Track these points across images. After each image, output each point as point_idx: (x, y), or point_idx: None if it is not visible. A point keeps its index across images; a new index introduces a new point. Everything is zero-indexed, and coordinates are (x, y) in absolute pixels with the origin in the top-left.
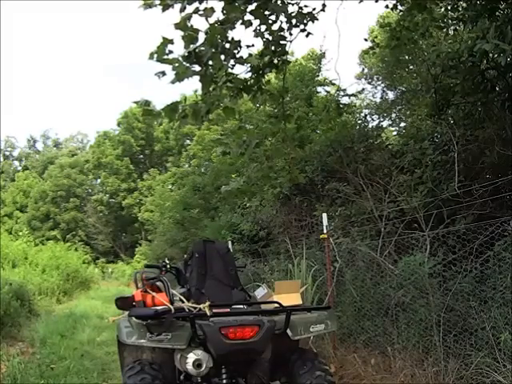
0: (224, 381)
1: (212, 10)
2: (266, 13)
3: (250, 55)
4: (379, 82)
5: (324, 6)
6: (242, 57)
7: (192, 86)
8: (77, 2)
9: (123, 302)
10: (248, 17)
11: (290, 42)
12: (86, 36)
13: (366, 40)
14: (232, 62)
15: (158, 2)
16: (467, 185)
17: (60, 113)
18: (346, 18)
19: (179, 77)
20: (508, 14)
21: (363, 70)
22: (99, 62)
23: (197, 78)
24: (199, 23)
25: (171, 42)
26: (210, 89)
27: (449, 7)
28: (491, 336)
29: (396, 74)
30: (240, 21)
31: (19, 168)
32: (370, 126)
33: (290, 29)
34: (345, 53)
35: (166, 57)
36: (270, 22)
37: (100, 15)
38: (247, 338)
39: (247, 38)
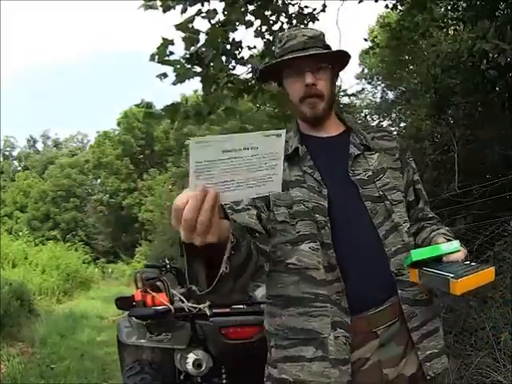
0: (224, 381)
1: (215, 11)
2: (267, 13)
3: (252, 56)
4: (379, 82)
5: (324, 6)
6: (242, 57)
7: (192, 86)
8: (77, 2)
9: (123, 302)
10: (249, 17)
11: None
12: (86, 36)
13: (365, 40)
14: (233, 62)
15: (159, 4)
16: (467, 185)
17: (60, 113)
18: (346, 18)
19: (180, 78)
20: (508, 14)
21: (363, 70)
22: (99, 62)
23: (197, 78)
24: (200, 24)
25: (171, 42)
26: (212, 90)
27: (449, 7)
28: (491, 336)
29: (396, 74)
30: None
31: (19, 168)
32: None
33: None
34: None
35: (166, 58)
36: (271, 22)
37: (101, 15)
38: (247, 338)
39: (248, 38)
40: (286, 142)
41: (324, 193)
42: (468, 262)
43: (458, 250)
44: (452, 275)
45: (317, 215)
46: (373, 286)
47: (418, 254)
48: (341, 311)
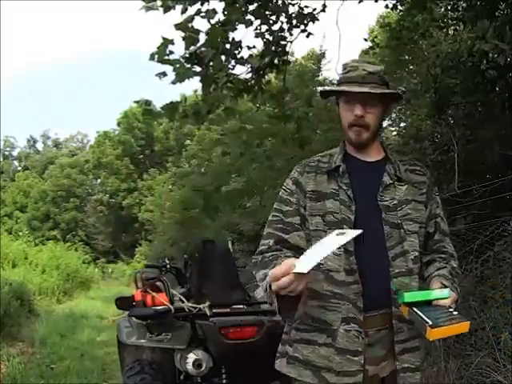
0: (224, 381)
1: (214, 11)
2: (267, 13)
3: (251, 56)
4: None
5: (324, 6)
6: (242, 57)
7: (192, 86)
8: (77, 2)
9: (123, 302)
10: (249, 17)
11: (291, 42)
12: (86, 36)
13: (365, 40)
14: (233, 62)
15: (159, 4)
16: (467, 185)
17: (60, 113)
18: (346, 18)
19: (180, 77)
20: (508, 14)
21: None
22: (99, 62)
23: (197, 78)
24: (200, 24)
25: (171, 42)
26: (211, 89)
27: (449, 7)
28: (491, 336)
29: (396, 74)
30: (241, 21)
31: (19, 168)
32: None
33: (290, 29)
34: (345, 53)
35: (166, 57)
36: (271, 22)
37: (100, 15)
38: (247, 338)
39: (248, 38)
40: (331, 156)
41: (352, 208)
42: (451, 310)
43: (447, 297)
44: (430, 323)
45: (344, 226)
46: (376, 294)
47: (409, 297)
48: (355, 309)
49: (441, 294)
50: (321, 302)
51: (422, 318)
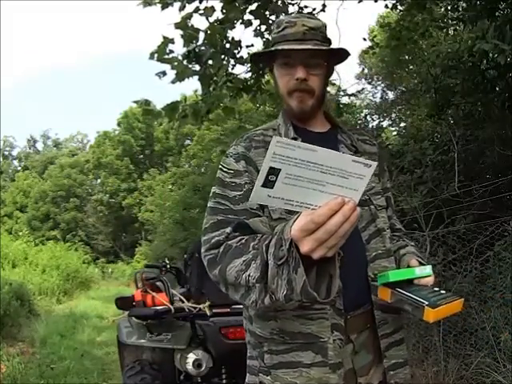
0: (224, 381)
1: (212, 9)
2: (267, 13)
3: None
4: (379, 82)
5: (324, 6)
6: (242, 57)
7: (193, 86)
8: (77, 2)
9: (123, 302)
10: (248, 17)
11: None
12: (86, 36)
13: (365, 40)
14: (232, 61)
15: (157, 0)
16: (467, 185)
17: (60, 113)
18: (346, 17)
19: (179, 77)
20: (508, 14)
21: (363, 70)
22: (99, 61)
23: (197, 77)
24: (199, 23)
25: (172, 41)
26: (210, 89)
27: (449, 7)
28: (491, 336)
29: (396, 74)
30: (240, 20)
31: (19, 168)
32: (370, 125)
33: None
34: None
35: (166, 56)
36: (271, 22)
37: (100, 15)
38: None
39: (247, 37)
40: (274, 130)
41: None
42: (437, 289)
43: (430, 275)
44: (427, 303)
45: None
46: (356, 289)
47: (394, 275)
48: (335, 312)
49: (423, 271)
50: (298, 311)
51: (414, 298)
